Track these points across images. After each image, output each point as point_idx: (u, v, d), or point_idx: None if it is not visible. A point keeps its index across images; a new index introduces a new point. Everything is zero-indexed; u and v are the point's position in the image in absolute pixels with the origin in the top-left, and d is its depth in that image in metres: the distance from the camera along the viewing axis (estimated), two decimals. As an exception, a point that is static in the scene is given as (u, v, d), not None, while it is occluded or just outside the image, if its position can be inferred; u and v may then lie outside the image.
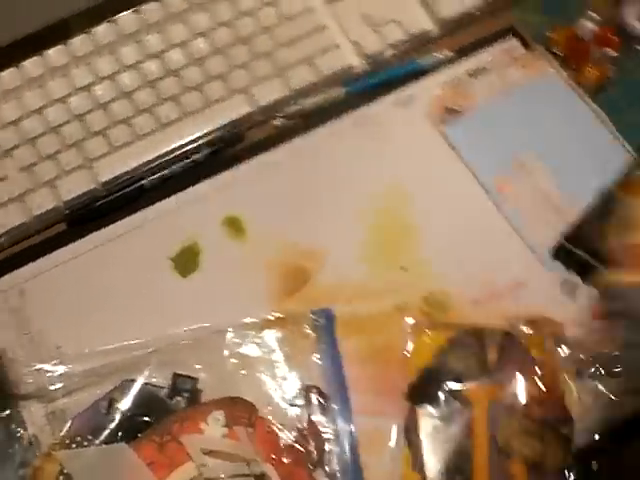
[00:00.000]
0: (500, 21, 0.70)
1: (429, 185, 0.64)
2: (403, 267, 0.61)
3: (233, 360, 0.58)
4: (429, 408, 0.55)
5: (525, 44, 0.69)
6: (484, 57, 0.69)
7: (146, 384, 0.57)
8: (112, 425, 0.56)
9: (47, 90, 0.67)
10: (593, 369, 0.56)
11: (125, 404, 0.56)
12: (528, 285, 0.60)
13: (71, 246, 0.64)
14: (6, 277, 0.63)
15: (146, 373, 0.57)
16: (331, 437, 0.55)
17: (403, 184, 0.64)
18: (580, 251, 0.60)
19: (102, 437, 0.55)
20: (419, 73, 0.68)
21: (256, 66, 0.68)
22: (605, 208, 0.61)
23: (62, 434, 0.56)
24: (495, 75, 0.68)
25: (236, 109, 0.67)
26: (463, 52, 0.69)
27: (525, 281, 0.60)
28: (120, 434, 0.55)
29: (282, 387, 0.57)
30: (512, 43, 0.69)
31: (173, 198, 0.65)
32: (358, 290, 0.61)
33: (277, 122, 0.67)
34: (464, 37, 0.69)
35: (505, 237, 0.62)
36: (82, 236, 0.64)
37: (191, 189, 0.65)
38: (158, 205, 0.65)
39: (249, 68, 0.68)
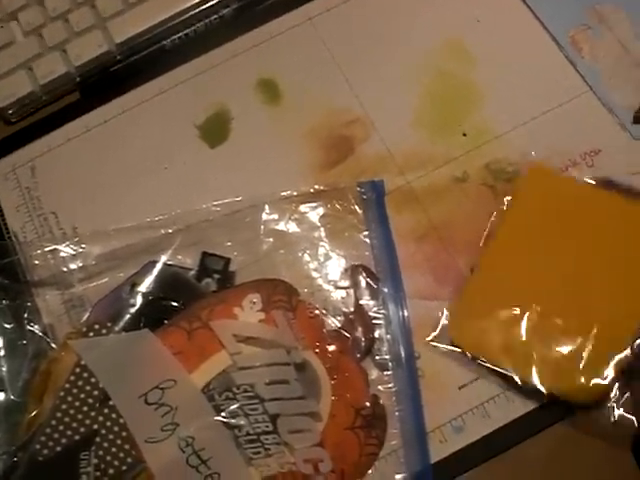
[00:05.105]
0: None
1: (492, 39, 0.56)
2: (463, 133, 0.53)
3: (270, 238, 0.52)
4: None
5: None
6: None
7: (170, 265, 0.51)
8: (133, 310, 0.50)
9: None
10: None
11: (147, 286, 0.50)
12: (606, 152, 0.52)
13: (84, 118, 0.59)
14: (15, 153, 0.59)
15: (170, 252, 0.51)
16: (381, 323, 0.49)
17: (463, 38, 0.57)
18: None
19: (122, 323, 0.50)
20: None
21: None
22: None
23: (80, 323, 0.51)
24: None
25: (269, -47, 0.59)
26: None
27: (603, 147, 0.52)
28: (143, 320, 0.50)
29: (326, 267, 0.51)
30: None
31: (198, 60, 0.59)
32: (411, 159, 0.54)
33: (315, -32, 0.59)
34: None
35: (581, 98, 0.54)
36: (96, 106, 0.59)
37: (218, 49, 0.59)
38: (181, 68, 0.59)
39: None
